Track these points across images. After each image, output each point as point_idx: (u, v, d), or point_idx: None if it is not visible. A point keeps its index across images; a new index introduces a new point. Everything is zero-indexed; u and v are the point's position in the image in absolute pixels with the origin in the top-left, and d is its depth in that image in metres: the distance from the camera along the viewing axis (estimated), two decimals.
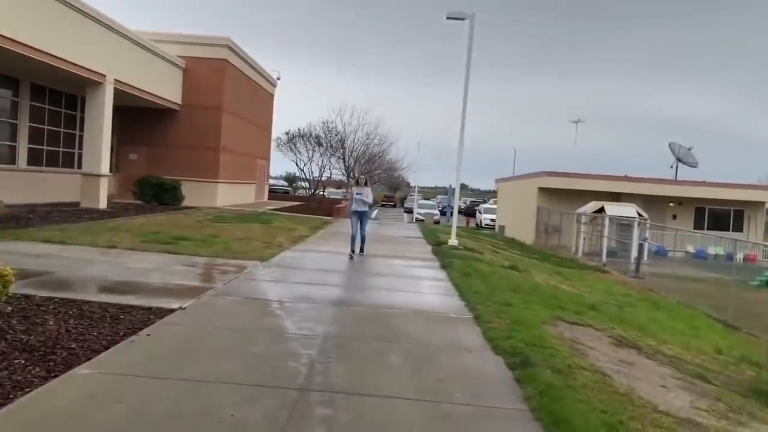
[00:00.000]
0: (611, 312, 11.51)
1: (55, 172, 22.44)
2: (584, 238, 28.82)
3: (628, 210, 28.19)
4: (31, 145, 21.20)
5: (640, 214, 27.83)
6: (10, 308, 6.31)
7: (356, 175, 20.25)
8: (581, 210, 29.47)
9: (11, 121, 20.31)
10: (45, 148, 22.08)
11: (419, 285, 10.30)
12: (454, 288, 10.08)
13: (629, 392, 5.60)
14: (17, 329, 5.65)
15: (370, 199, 13.99)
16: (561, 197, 32.68)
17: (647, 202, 32.47)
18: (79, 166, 22.16)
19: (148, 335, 5.88)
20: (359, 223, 13.75)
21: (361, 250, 13.80)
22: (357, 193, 13.89)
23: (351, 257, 13.15)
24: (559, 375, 5.67)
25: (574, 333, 8.18)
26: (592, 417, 4.52)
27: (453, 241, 17.64)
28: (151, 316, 6.64)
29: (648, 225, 26.85)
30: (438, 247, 17.01)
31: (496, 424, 4.37)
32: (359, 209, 13.81)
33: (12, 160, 20.41)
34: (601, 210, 28.40)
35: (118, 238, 12.99)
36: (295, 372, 5.11)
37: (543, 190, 33.63)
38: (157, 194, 24.66)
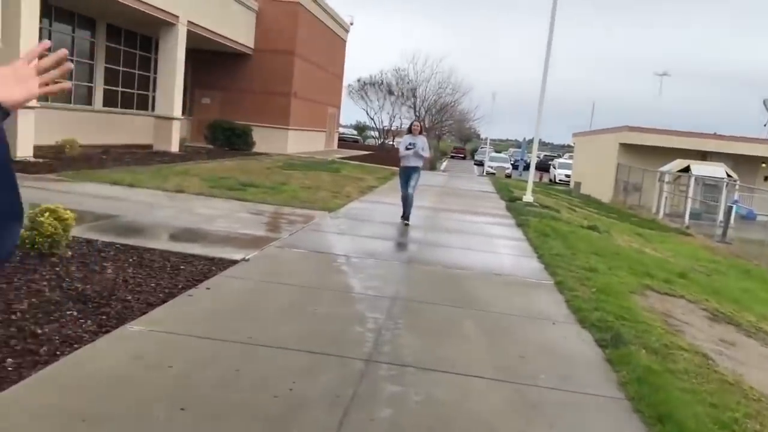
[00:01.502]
0: (702, 281, 10.60)
1: (129, 114, 22.63)
2: (666, 198, 27.30)
3: (717, 170, 26.41)
4: (106, 87, 21.36)
5: (729, 175, 26.06)
6: (70, 253, 6.10)
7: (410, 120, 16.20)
8: (665, 168, 27.82)
9: (88, 62, 20.45)
10: (120, 89, 22.24)
11: (494, 244, 9.68)
12: (531, 249, 9.42)
13: (738, 380, 4.91)
14: (74, 276, 5.40)
15: (425, 153, 10.76)
16: (642, 154, 30.95)
17: (737, 162, 30.36)
18: (153, 109, 22.24)
19: (208, 289, 5.53)
20: (409, 181, 10.70)
21: (406, 217, 10.65)
22: (409, 144, 10.59)
23: (405, 224, 10.51)
24: (656, 356, 5.03)
25: (666, 305, 7.44)
26: (701, 413, 3.89)
27: (528, 197, 16.82)
28: (213, 267, 6.31)
29: (737, 186, 25.12)
30: (512, 203, 16.24)
31: (589, 415, 3.80)
32: (409, 164, 10.67)
33: (88, 101, 20.62)
34: (687, 169, 26.71)
35: (186, 182, 12.83)
36: (361, 339, 4.66)
37: (624, 146, 31.92)
38: (228, 139, 24.64)
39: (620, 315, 6.07)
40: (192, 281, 5.74)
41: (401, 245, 8.69)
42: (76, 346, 3.97)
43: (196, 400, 3.40)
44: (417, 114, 52.57)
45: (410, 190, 10.56)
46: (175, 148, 20.87)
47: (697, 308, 7.84)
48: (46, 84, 1.21)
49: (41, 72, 1.21)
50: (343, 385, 3.79)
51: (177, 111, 21.00)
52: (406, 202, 10.63)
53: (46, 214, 6.05)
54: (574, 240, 10.92)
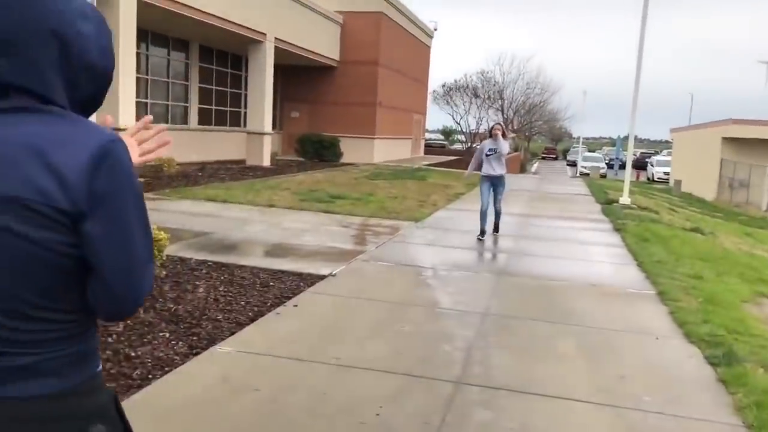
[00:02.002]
0: None
1: (222, 131, 23.43)
2: None
3: None
4: (201, 105, 22.20)
5: None
6: (164, 272, 6.26)
7: (490, 124, 14.64)
8: None
9: (183, 82, 21.33)
10: (213, 107, 23.06)
11: (589, 252, 9.25)
12: (630, 255, 8.94)
13: None
14: (167, 296, 5.53)
15: (504, 153, 9.65)
16: (748, 148, 29.10)
17: None
18: (245, 125, 22.92)
19: (295, 306, 5.53)
20: (492, 192, 9.72)
21: (496, 229, 9.93)
22: (490, 150, 9.55)
23: (481, 239, 9.41)
24: None
25: None
26: None
27: (625, 198, 16.07)
28: (301, 283, 6.32)
29: None
30: (608, 205, 15.57)
31: None
32: (493, 173, 9.59)
33: (184, 120, 21.50)
34: None
35: (277, 196, 13.08)
36: (450, 359, 4.49)
37: (728, 140, 30.12)
38: (317, 151, 25.08)
39: (732, 328, 5.61)
40: (280, 298, 5.76)
41: (490, 256, 8.45)
42: (167, 369, 4.02)
43: (282, 427, 3.34)
44: (504, 116, 51.74)
45: (497, 204, 9.75)
46: (266, 162, 21.39)
47: None
48: (145, 153, 1.48)
49: (141, 143, 1.48)
50: (431, 410, 3.64)
51: (267, 126, 21.54)
52: (485, 216, 9.53)
53: None
54: (676, 244, 10.30)
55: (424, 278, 6.87)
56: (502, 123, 9.80)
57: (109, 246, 1.16)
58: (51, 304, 1.16)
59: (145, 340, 4.46)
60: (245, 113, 23.35)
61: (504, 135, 9.76)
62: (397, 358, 4.44)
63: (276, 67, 22.16)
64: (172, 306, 5.28)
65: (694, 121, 46.35)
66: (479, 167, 9.87)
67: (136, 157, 1.43)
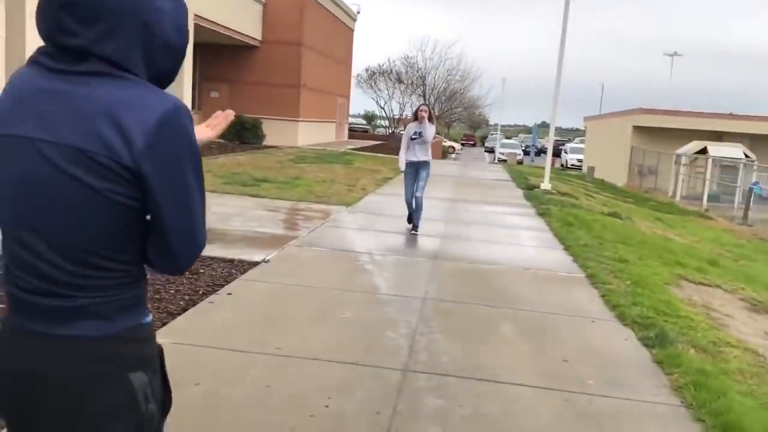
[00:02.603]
0: (732, 267, 10.28)
1: None
2: (683, 181, 26.88)
3: (735, 151, 25.96)
4: None
5: (746, 155, 25.60)
6: None
7: (414, 105, 12.97)
8: (681, 150, 27.38)
9: None
10: None
11: (518, 236, 9.39)
12: (557, 240, 9.13)
13: None
14: None
15: (429, 140, 8.70)
16: (657, 137, 30.49)
17: (753, 141, 29.85)
18: None
19: (229, 294, 5.30)
20: (416, 179, 8.71)
21: (414, 227, 8.74)
22: (415, 134, 8.64)
23: (414, 233, 8.65)
24: (707, 356, 4.75)
25: (703, 296, 7.15)
26: (767, 420, 3.61)
27: (546, 184, 16.48)
28: (233, 270, 6.08)
29: (756, 167, 24.67)
30: (530, 191, 15.92)
31: (648, 427, 3.53)
32: (416, 159, 8.66)
33: None
34: (704, 151, 26.27)
35: None
36: (395, 346, 4.41)
37: (638, 129, 31.45)
38: (238, 133, 24.38)
39: (660, 310, 5.79)
40: (213, 286, 5.51)
41: (423, 240, 8.41)
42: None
43: (229, 422, 3.15)
44: (426, 102, 52.08)
45: (418, 192, 8.61)
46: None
47: (734, 298, 7.54)
48: (212, 127, 1.65)
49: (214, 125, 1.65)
50: (381, 399, 3.54)
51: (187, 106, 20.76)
52: (411, 206, 8.71)
53: None
54: (598, 229, 10.61)
55: (361, 264, 6.76)
56: (428, 104, 8.78)
57: (169, 203, 1.25)
58: (110, 253, 1.25)
59: None
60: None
61: (431, 118, 8.91)
62: (341, 347, 4.31)
63: (194, 45, 21.35)
64: None
65: (605, 111, 48.20)
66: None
67: (205, 132, 1.61)
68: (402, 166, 8.77)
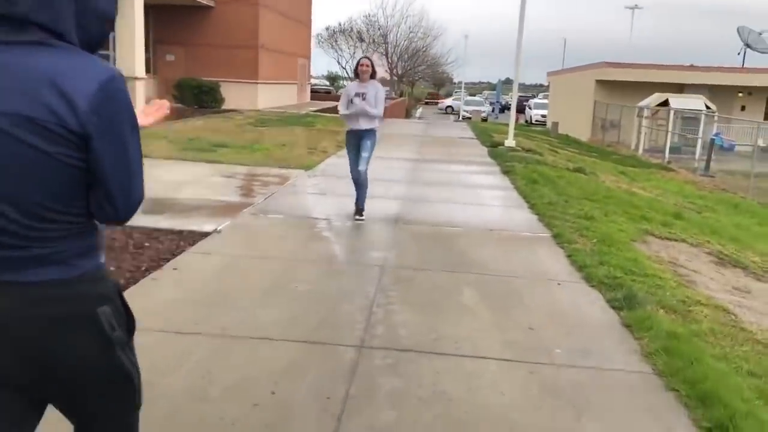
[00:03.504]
0: (696, 220, 10.22)
1: None
2: (645, 134, 26.93)
3: (696, 102, 26.02)
4: None
5: (707, 107, 25.68)
6: None
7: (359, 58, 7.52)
8: (643, 103, 27.36)
9: None
10: None
11: (482, 195, 9.14)
12: (521, 198, 8.91)
13: (767, 338, 4.48)
14: None
15: (378, 108, 6.86)
16: (620, 90, 30.44)
17: (714, 93, 29.98)
18: None
19: (175, 269, 4.95)
20: (358, 152, 7.05)
21: (358, 210, 7.09)
22: (356, 94, 6.84)
23: (359, 219, 7.01)
24: (676, 316, 4.59)
25: (670, 251, 7.01)
26: (742, 386, 3.44)
27: (510, 141, 16.24)
28: (181, 242, 5.72)
29: (716, 118, 24.79)
30: (494, 148, 15.67)
31: (617, 398, 3.32)
32: (358, 127, 6.96)
33: None
34: (665, 103, 26.29)
35: (152, 145, 12.05)
36: (351, 320, 4.13)
37: (601, 83, 31.36)
38: (196, 97, 23.58)
39: (628, 268, 5.61)
40: (157, 261, 5.15)
41: (384, 203, 8.11)
42: None
43: (161, 420, 2.85)
44: (389, 61, 51.23)
45: (361, 166, 6.95)
46: (141, 108, 19.85)
47: (700, 252, 7.43)
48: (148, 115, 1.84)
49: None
50: (333, 382, 3.26)
51: (140, 70, 19.88)
52: (359, 185, 7.08)
53: None
54: (563, 185, 10.43)
55: (318, 231, 6.44)
56: (371, 58, 7.12)
57: (111, 161, 1.38)
58: (62, 207, 1.38)
59: None
60: (114, 57, 21.50)
61: (374, 74, 6.97)
62: (292, 324, 4.02)
63: (147, 6, 20.40)
64: None
65: (569, 65, 47.98)
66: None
67: (142, 119, 1.73)
68: (342, 113, 7.02)
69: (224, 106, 24.24)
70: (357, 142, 7.06)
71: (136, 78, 19.64)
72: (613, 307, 4.65)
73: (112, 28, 1.50)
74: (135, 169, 1.46)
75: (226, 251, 5.53)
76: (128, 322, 1.58)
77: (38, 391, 1.49)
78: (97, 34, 1.44)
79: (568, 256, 5.96)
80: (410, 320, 4.19)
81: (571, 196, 9.30)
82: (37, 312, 1.39)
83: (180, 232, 6.03)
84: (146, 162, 6.21)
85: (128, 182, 1.44)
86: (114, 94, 1.37)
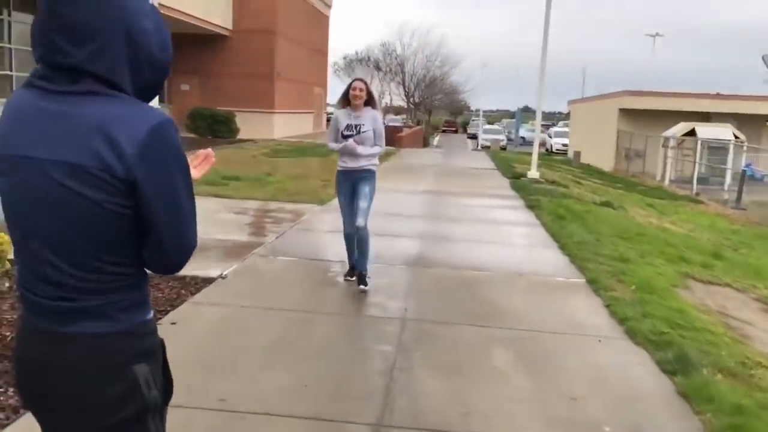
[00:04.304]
0: (736, 259, 9.60)
1: None
2: (671, 164, 26.25)
3: (724, 131, 25.32)
4: None
5: (736, 136, 25.00)
6: (7, 284, 5.02)
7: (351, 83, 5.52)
8: (669, 132, 26.74)
9: None
10: None
11: (507, 234, 8.61)
12: (549, 236, 8.37)
13: None
14: (7, 319, 4.33)
15: (377, 147, 5.52)
16: (643, 119, 29.86)
17: (741, 121, 29.26)
18: None
19: (173, 324, 4.48)
20: (354, 199, 5.53)
21: (360, 278, 5.55)
22: (348, 128, 5.41)
23: (349, 279, 5.71)
24: (737, 382, 4.02)
25: (715, 299, 6.43)
26: None
27: (533, 173, 15.72)
28: (183, 291, 5.25)
29: (745, 148, 24.11)
30: (516, 180, 15.17)
31: None
32: (351, 166, 5.48)
33: None
34: (692, 132, 25.67)
35: None
36: (368, 388, 3.61)
37: (624, 112, 30.80)
38: (210, 127, 23.40)
39: (674, 321, 5.05)
40: (156, 313, 4.67)
41: (402, 242, 7.62)
42: (21, 411, 2.92)
43: None
44: (406, 89, 51.13)
45: (360, 220, 5.42)
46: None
47: (747, 298, 6.85)
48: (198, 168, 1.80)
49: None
50: None
51: (153, 100, 19.75)
52: (352, 243, 5.63)
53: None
54: (592, 221, 9.88)
55: (332, 275, 5.95)
56: (365, 80, 5.63)
57: (161, 207, 1.37)
58: (111, 258, 1.38)
59: None
60: None
61: (371, 101, 5.46)
62: (300, 394, 3.51)
63: None
64: (10, 334, 4.10)
65: (588, 93, 47.59)
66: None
67: (192, 172, 1.60)
68: (330, 148, 5.61)
69: (239, 136, 24.02)
70: (351, 186, 5.52)
71: None
72: (665, 371, 4.09)
73: (166, 76, 1.48)
74: (187, 215, 1.44)
75: (230, 301, 5.05)
76: (166, 385, 1.52)
77: None
78: (151, 81, 1.44)
79: (607, 306, 5.41)
80: (435, 389, 3.67)
81: (602, 234, 8.75)
82: (76, 363, 1.39)
83: (182, 279, 5.56)
84: None
85: (180, 229, 1.42)
86: (162, 140, 1.36)
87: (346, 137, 5.39)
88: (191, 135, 23.27)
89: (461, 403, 3.50)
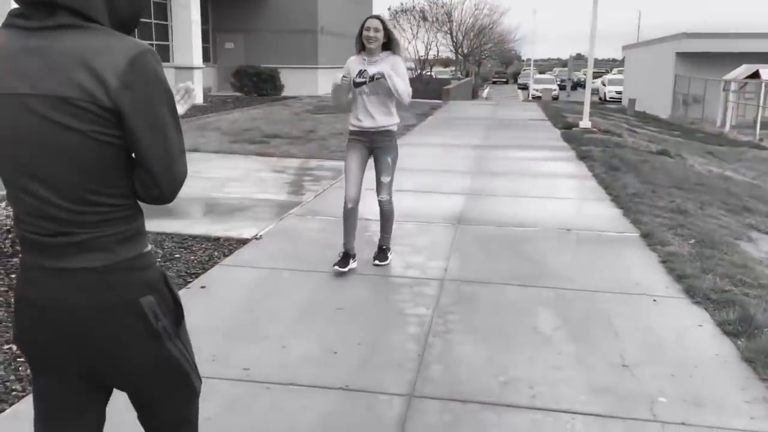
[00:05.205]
0: None
1: None
2: (732, 109, 24.93)
3: None
4: None
5: None
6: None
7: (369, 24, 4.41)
8: (730, 76, 25.36)
9: None
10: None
11: (556, 187, 8.20)
12: (601, 188, 7.93)
13: None
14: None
15: (403, 92, 4.41)
16: (702, 63, 28.37)
17: None
18: (173, 59, 20.98)
19: (202, 288, 4.34)
20: (376, 170, 4.72)
21: (381, 253, 4.89)
22: (360, 75, 4.50)
23: (341, 270, 4.57)
24: None
25: None
26: None
27: (585, 122, 15.05)
28: (216, 253, 5.12)
29: None
30: (567, 130, 14.55)
31: None
32: (365, 125, 4.57)
33: None
34: (755, 75, 24.24)
35: (204, 138, 11.64)
36: (400, 356, 3.39)
37: (681, 56, 29.33)
38: (255, 85, 23.26)
39: (737, 278, 4.67)
40: (186, 277, 4.56)
41: (444, 199, 7.32)
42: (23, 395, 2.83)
43: None
44: (454, 40, 49.86)
45: (383, 195, 4.71)
46: (199, 99, 19.63)
47: None
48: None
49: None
50: None
51: (197, 59, 19.69)
52: (352, 221, 4.75)
53: (2, 204, 4.91)
54: (648, 171, 9.35)
55: (370, 235, 5.71)
56: (381, 17, 4.51)
57: (148, 137, 1.37)
58: (103, 188, 1.38)
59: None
60: (171, 47, 21.37)
61: (389, 43, 4.48)
62: (328, 362, 3.32)
63: None
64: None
65: (643, 38, 45.46)
66: (349, 106, 4.74)
67: (178, 108, 1.61)
68: (341, 76, 4.51)
69: (284, 93, 23.84)
70: (367, 152, 4.65)
71: (193, 68, 19.43)
72: (727, 333, 3.75)
73: (143, 8, 1.49)
74: (174, 143, 1.43)
75: (263, 263, 4.88)
76: (176, 311, 1.54)
77: (95, 378, 1.51)
78: (128, 14, 1.44)
79: (663, 262, 5.03)
80: (473, 355, 3.42)
81: (658, 185, 8.25)
82: (81, 300, 1.40)
83: (216, 240, 5.44)
84: (193, 156, 5.46)
85: (169, 159, 1.42)
86: (144, 69, 1.35)
87: (357, 85, 4.49)
88: (237, 93, 23.21)
89: (501, 371, 3.25)
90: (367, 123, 4.56)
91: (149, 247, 1.51)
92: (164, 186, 1.43)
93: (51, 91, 1.31)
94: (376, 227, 5.18)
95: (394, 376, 3.18)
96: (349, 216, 4.71)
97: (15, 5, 1.41)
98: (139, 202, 1.49)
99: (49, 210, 1.38)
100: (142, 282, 1.45)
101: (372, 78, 4.45)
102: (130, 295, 1.43)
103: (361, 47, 4.50)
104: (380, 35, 4.41)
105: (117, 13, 1.41)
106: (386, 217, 4.86)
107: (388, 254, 4.95)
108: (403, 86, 4.41)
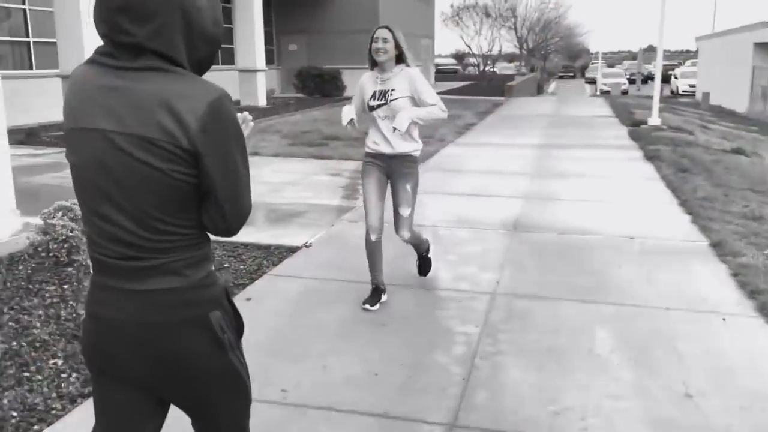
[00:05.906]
0: None
1: (213, 70, 21.74)
2: None
3: None
4: None
5: None
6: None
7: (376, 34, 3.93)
8: None
9: None
10: None
11: (620, 190, 7.82)
12: (669, 192, 7.53)
13: None
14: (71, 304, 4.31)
15: (433, 115, 4.00)
16: None
17: None
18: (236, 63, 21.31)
19: (248, 300, 4.29)
20: (393, 199, 4.25)
21: (424, 261, 4.69)
22: (376, 97, 4.04)
23: (369, 308, 4.13)
24: None
25: None
26: None
27: (654, 119, 14.42)
28: (265, 261, 5.08)
29: None
30: (635, 128, 13.98)
31: None
32: (383, 150, 4.11)
33: None
34: None
35: (264, 141, 11.72)
36: (444, 380, 3.23)
37: (760, 46, 27.82)
38: (318, 86, 23.40)
39: None
40: (233, 287, 4.52)
41: (501, 203, 7.09)
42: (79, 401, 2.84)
43: None
44: (518, 35, 48.98)
45: (404, 232, 4.28)
46: (262, 101, 19.88)
47: None
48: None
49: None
50: None
51: (260, 62, 19.92)
52: (377, 255, 4.29)
53: (59, 213, 4.99)
54: (720, 172, 8.85)
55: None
56: (390, 27, 3.95)
57: (221, 176, 1.47)
58: (174, 220, 1.48)
59: (47, 353, 3.26)
60: (234, 50, 21.70)
61: (401, 57, 4.02)
62: (369, 384, 3.19)
63: None
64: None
65: (718, 29, 43.49)
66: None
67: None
68: (345, 121, 4.18)
69: (346, 94, 23.88)
70: (384, 178, 4.21)
71: (256, 70, 19.66)
72: None
73: (218, 49, 1.58)
74: (242, 182, 1.53)
75: (310, 273, 4.81)
76: (237, 324, 1.65)
77: (160, 390, 1.60)
78: (205, 55, 1.53)
79: (734, 275, 4.69)
80: (522, 381, 3.23)
81: (732, 187, 7.78)
82: (155, 317, 1.50)
83: (267, 248, 5.40)
84: (253, 161, 5.37)
85: (237, 195, 1.51)
86: (221, 114, 1.44)
87: (372, 109, 4.04)
88: (299, 95, 23.41)
89: (552, 399, 3.05)
90: (384, 149, 4.09)
91: (212, 266, 1.61)
92: (231, 220, 1.53)
93: (136, 131, 1.41)
94: (427, 237, 5.00)
95: (436, 402, 3.02)
96: (375, 249, 4.24)
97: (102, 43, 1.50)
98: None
99: (124, 236, 1.47)
100: (210, 298, 1.55)
101: (386, 101, 3.98)
102: (200, 311, 1.53)
103: (373, 63, 4.03)
104: (390, 46, 3.91)
105: (195, 54, 1.50)
106: (415, 246, 4.54)
107: (429, 263, 4.68)
108: (425, 113, 3.95)
